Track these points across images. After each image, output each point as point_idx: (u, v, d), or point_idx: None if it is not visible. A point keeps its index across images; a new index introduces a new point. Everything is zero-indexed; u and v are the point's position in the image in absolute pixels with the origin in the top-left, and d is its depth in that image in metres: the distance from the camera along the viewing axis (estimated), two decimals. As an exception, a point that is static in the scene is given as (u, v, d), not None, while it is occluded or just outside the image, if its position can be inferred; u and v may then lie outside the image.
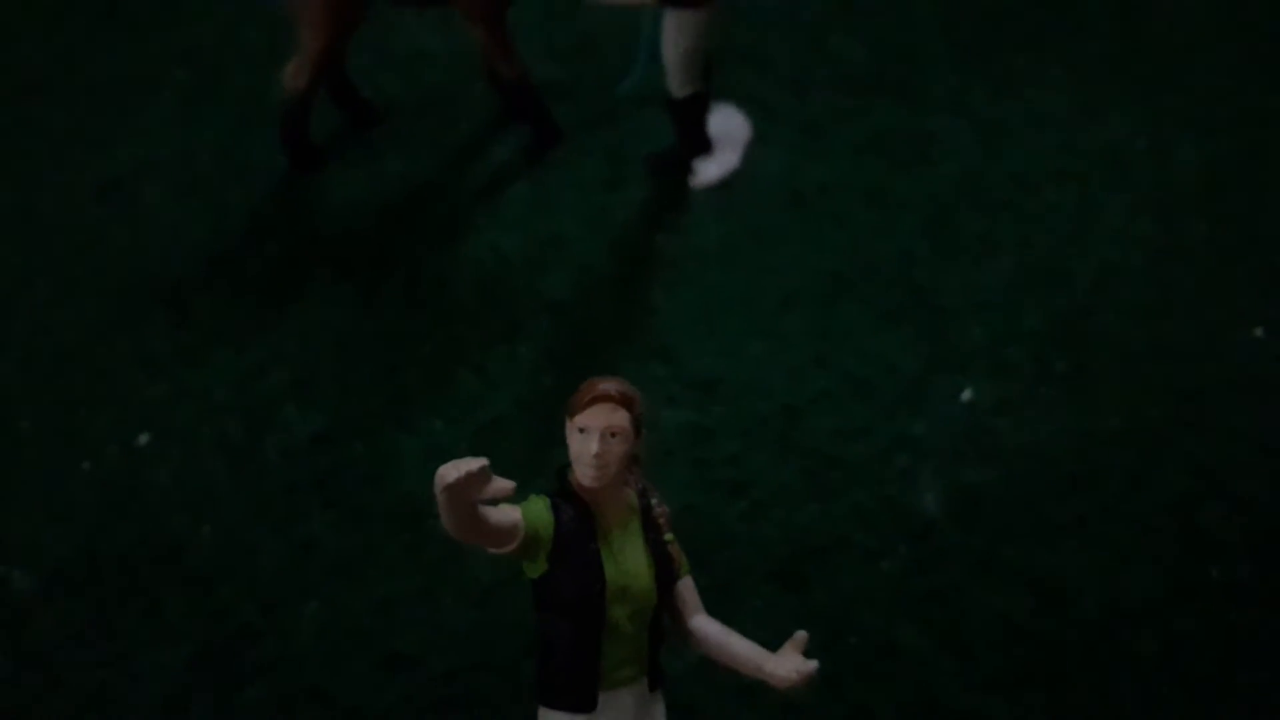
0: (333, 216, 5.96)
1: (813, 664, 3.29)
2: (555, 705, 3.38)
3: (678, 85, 5.81)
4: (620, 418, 3.30)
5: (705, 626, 3.47)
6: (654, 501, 3.48)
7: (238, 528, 4.93)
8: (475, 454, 5.13)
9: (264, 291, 5.68)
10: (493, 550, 3.25)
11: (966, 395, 5.28)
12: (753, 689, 4.44)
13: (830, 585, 4.76)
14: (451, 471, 3.01)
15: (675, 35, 5.66)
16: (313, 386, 5.34)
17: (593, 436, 3.28)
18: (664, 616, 3.48)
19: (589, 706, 3.36)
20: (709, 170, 6.06)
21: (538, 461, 5.05)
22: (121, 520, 4.96)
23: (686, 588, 3.50)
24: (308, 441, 5.17)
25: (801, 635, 3.34)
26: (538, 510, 3.32)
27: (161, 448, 5.16)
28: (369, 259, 5.80)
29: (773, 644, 4.47)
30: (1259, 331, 5.46)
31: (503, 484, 3.10)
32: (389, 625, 4.65)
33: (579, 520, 3.34)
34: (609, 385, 3.32)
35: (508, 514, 3.24)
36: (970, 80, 6.36)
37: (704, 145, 6.06)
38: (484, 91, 6.23)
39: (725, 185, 6.03)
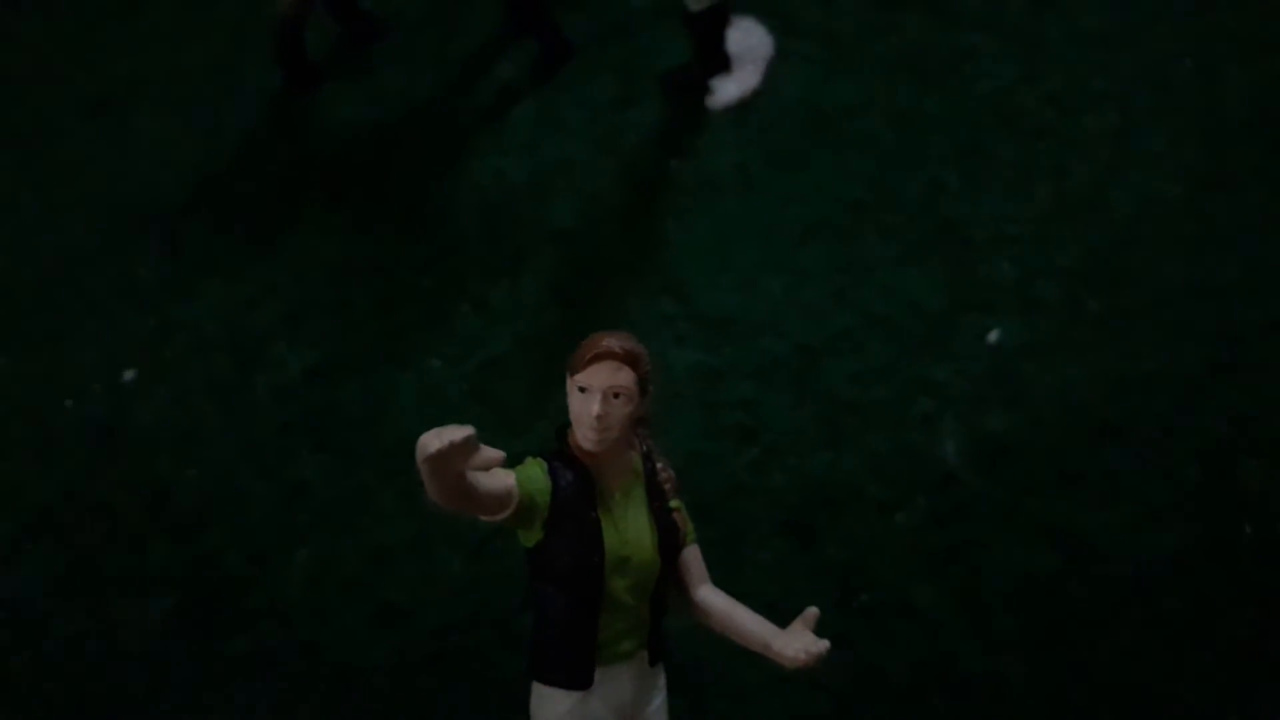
0: (329, 138, 5.68)
1: (824, 643, 3.08)
2: (549, 681, 3.20)
3: (694, -2, 5.47)
4: (625, 377, 3.05)
5: (711, 599, 3.25)
6: (660, 465, 3.26)
7: (226, 471, 4.75)
8: (475, 395, 4.98)
9: (256, 219, 5.43)
10: (485, 518, 3.01)
11: (993, 336, 5.00)
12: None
13: (843, 539, 4.55)
14: (434, 441, 2.74)
15: (691, -55, 5.31)
16: (305, 321, 5.12)
17: (594, 397, 3.04)
18: (667, 587, 3.26)
19: (585, 683, 3.18)
20: (727, 89, 5.73)
21: (540, 403, 4.84)
22: (105, 462, 4.78)
23: (693, 556, 3.28)
24: (300, 379, 4.96)
25: (813, 611, 3.13)
26: (534, 475, 3.08)
27: (147, 385, 4.97)
28: (366, 185, 5.53)
29: (782, 602, 4.30)
30: (1307, 271, 5.14)
31: (491, 453, 2.87)
32: (381, 576, 4.49)
33: (578, 486, 3.10)
34: (613, 341, 3.07)
35: (501, 479, 3.00)
36: (1006, -9, 5.97)
37: (723, 63, 5.73)
38: (491, 2, 5.90)
39: (744, 105, 5.70)
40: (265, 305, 5.17)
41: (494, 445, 4.70)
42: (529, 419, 4.83)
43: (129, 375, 5.01)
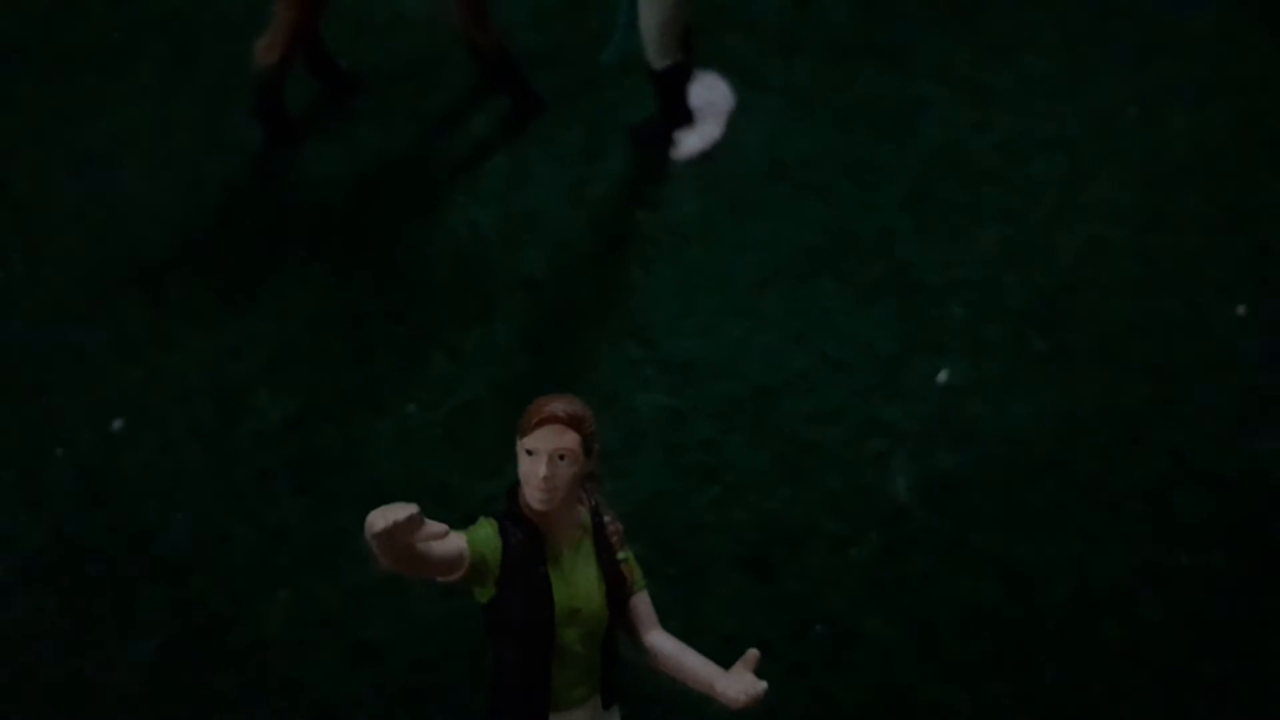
0: (309, 192, 5.91)
1: (762, 685, 3.25)
2: None
3: (655, 57, 5.71)
4: (569, 439, 3.23)
5: (659, 643, 3.42)
6: (607, 519, 3.43)
7: (210, 515, 4.95)
8: (449, 439, 5.18)
9: (238, 271, 5.65)
10: (440, 579, 3.20)
11: (942, 377, 5.24)
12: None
13: (799, 573, 4.76)
14: (379, 520, 2.94)
15: (649, 6, 5.55)
16: (285, 369, 5.33)
17: (540, 459, 3.22)
18: (618, 634, 3.44)
19: None
20: (690, 142, 5.98)
21: (511, 447, 4.99)
22: (95, 508, 4.98)
23: (642, 603, 3.45)
24: (280, 426, 5.17)
25: (753, 653, 3.29)
26: (485, 535, 3.26)
27: (135, 433, 5.18)
28: (343, 237, 5.76)
29: (740, 633, 4.53)
30: (1241, 309, 5.39)
31: (435, 527, 3.05)
32: (358, 615, 4.68)
33: (528, 543, 3.28)
34: (557, 405, 3.25)
35: (453, 542, 3.19)
36: (957, 43, 6.23)
37: (685, 116, 5.97)
38: (464, 58, 6.13)
39: (706, 156, 5.94)
40: (247, 355, 5.38)
41: (468, 487, 5.01)
42: (500, 461, 5.02)
43: (117, 424, 5.22)
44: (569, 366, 5.36)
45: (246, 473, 5.05)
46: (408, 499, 4.90)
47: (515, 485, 3.34)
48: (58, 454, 5.14)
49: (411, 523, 2.96)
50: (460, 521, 3.37)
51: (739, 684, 3.26)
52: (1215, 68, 6.11)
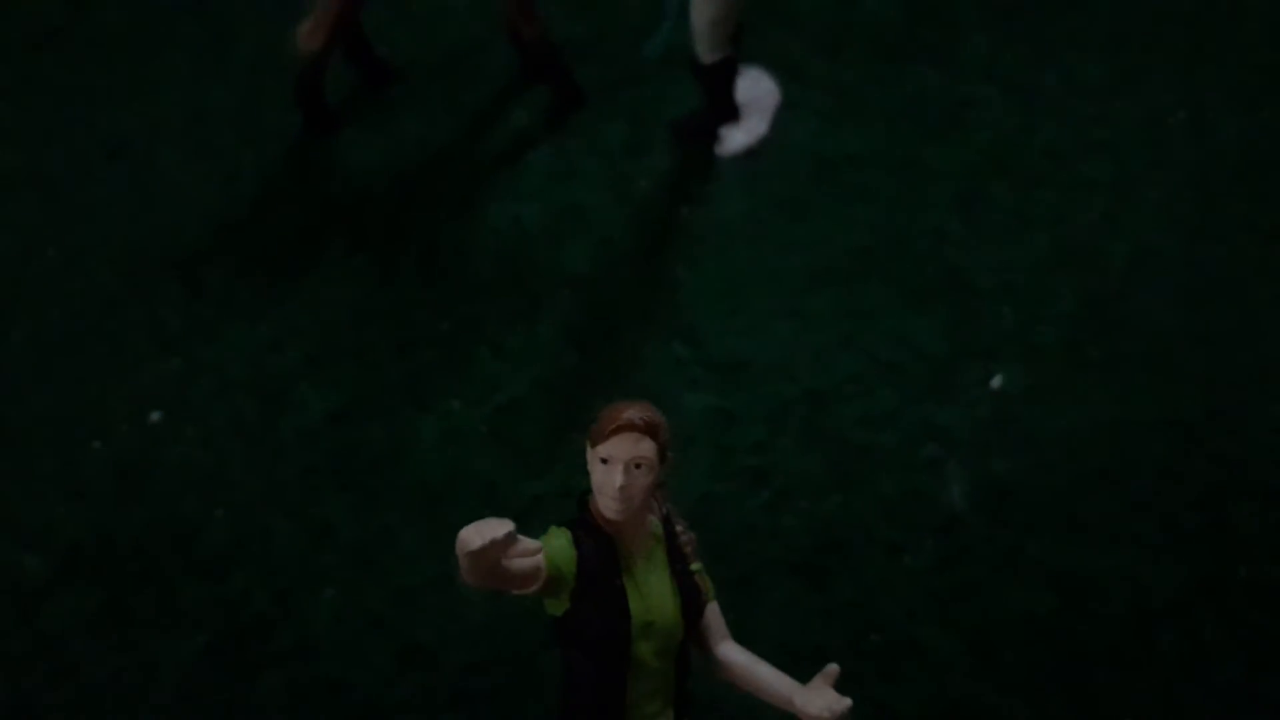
0: (347, 183, 5.81)
1: (846, 701, 3.16)
2: None
3: (705, 50, 5.62)
4: (646, 447, 3.11)
5: (731, 654, 3.34)
6: (679, 529, 3.34)
7: (252, 511, 4.86)
8: (494, 437, 5.10)
9: (277, 262, 5.55)
10: (515, 593, 3.10)
11: (996, 382, 5.16)
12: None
13: (853, 580, 4.69)
14: (475, 538, 2.83)
15: (704, 0, 5.46)
16: (328, 363, 5.24)
17: (616, 468, 3.11)
18: (690, 646, 3.36)
19: None
20: (736, 138, 5.89)
21: (558, 446, 4.97)
22: (134, 503, 4.89)
23: (713, 613, 3.37)
24: (323, 421, 5.08)
25: (833, 668, 3.20)
26: (560, 546, 3.14)
27: (174, 427, 5.08)
28: (384, 229, 5.66)
29: (794, 642, 4.46)
30: (1297, 319, 5.33)
31: (528, 544, 2.95)
32: (407, 615, 4.60)
33: (602, 554, 3.18)
34: (633, 413, 3.13)
35: (530, 557, 3.06)
36: (1006, 43, 6.15)
37: (731, 112, 5.88)
38: (505, 50, 6.04)
39: (752, 154, 5.86)
40: (288, 348, 5.29)
41: (512, 488, 4.93)
42: (548, 462, 4.97)
43: (156, 416, 5.12)
44: (614, 365, 5.28)
45: (289, 468, 4.96)
46: (454, 498, 4.90)
47: (585, 493, 3.24)
48: (95, 446, 5.05)
49: (508, 540, 2.87)
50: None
51: (821, 699, 3.18)
52: (1266, 71, 6.04)
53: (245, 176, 5.83)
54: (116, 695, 4.45)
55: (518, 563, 3.02)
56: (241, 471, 4.96)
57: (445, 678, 4.47)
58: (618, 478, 3.11)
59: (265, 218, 5.72)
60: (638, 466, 3.13)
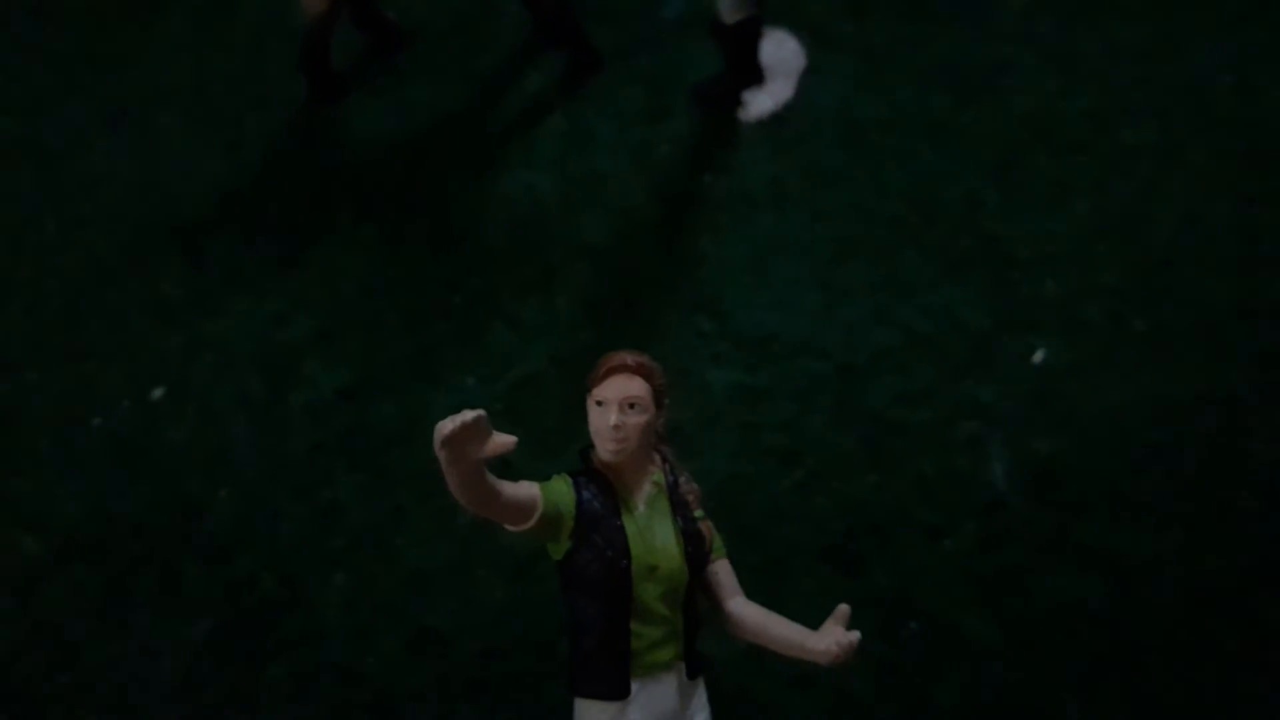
0: (355, 151, 5.59)
1: (854, 634, 3.15)
2: (588, 693, 3.24)
3: (729, 9, 5.38)
4: (637, 386, 3.20)
5: (743, 610, 3.33)
6: (682, 479, 3.36)
7: (258, 491, 4.65)
8: (510, 414, 4.88)
9: (283, 234, 5.33)
10: (511, 528, 3.12)
11: (1039, 356, 4.92)
12: (806, 677, 4.17)
13: (889, 565, 4.46)
14: (448, 424, 2.89)
15: (728, -43, 5.23)
16: (336, 338, 5.02)
17: (610, 408, 3.20)
18: (700, 600, 3.32)
19: (622, 693, 3.21)
20: (760, 102, 5.65)
21: (575, 424, 4.72)
22: (135, 482, 4.68)
23: (724, 570, 3.36)
24: (332, 398, 4.86)
25: (844, 608, 3.21)
26: (558, 487, 3.21)
27: (177, 403, 4.87)
28: (393, 198, 5.43)
29: (828, 628, 4.23)
30: (1353, 290, 5.08)
31: (503, 438, 2.96)
32: (420, 600, 4.39)
33: (602, 496, 3.23)
34: (626, 355, 3.24)
35: (525, 489, 3.14)
36: (1040, 5, 5.89)
37: (755, 75, 5.64)
38: (518, 12, 5.81)
39: (777, 118, 5.62)
40: (294, 322, 5.07)
41: (530, 467, 4.70)
42: (564, 440, 4.73)
43: (157, 393, 4.91)
44: (635, 339, 5.01)
45: (296, 447, 4.75)
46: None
47: (587, 447, 3.30)
48: (95, 423, 4.84)
49: (479, 424, 2.86)
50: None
51: (830, 637, 3.17)
52: (1315, 34, 5.78)
53: (249, 145, 5.61)
54: (117, 683, 4.24)
55: (510, 490, 3.06)
56: (247, 450, 4.75)
57: (460, 665, 4.26)
58: (612, 416, 3.19)
59: (270, 187, 5.50)
60: (631, 406, 3.20)
